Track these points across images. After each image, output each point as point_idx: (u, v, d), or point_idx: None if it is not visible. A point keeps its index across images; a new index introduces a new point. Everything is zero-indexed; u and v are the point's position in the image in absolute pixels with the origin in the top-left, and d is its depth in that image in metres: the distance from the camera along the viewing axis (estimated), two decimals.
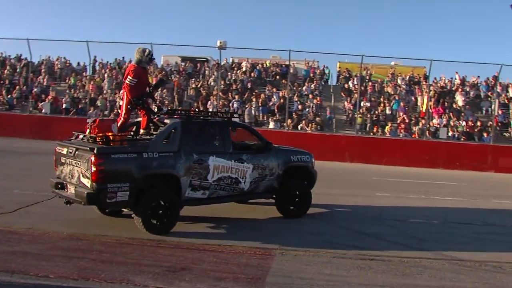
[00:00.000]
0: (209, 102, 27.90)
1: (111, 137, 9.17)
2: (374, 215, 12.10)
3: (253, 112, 27.24)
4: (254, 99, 28.44)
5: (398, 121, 27.19)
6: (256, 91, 29.85)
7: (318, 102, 28.90)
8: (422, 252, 9.05)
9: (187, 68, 32.71)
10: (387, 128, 26.79)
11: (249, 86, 30.23)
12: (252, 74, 32.04)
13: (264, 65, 33.27)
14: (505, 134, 27.37)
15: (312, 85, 30.79)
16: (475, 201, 15.13)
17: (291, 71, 31.35)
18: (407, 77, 32.31)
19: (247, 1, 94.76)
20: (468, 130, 26.53)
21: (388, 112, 28.15)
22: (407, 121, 27.09)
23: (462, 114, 27.91)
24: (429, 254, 8.90)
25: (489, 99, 29.56)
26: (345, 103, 29.53)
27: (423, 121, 26.70)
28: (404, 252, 8.92)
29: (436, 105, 28.37)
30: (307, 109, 28.23)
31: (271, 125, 27.10)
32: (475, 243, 10.05)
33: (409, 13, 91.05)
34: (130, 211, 9.42)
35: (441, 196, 15.60)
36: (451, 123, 27.12)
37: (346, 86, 31.38)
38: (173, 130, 9.67)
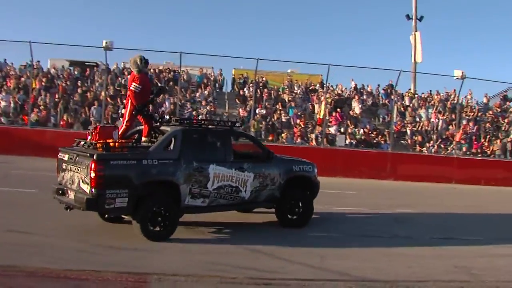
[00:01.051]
0: (92, 108, 25.57)
1: (111, 144, 9.35)
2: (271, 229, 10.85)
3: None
4: None
5: (294, 129, 26.14)
6: None
7: (212, 109, 27.36)
8: (324, 272, 7.85)
9: (74, 73, 29.99)
10: (283, 136, 25.60)
11: None
12: None
13: (157, 70, 31.30)
14: (402, 142, 27.06)
15: (206, 92, 29.20)
16: (379, 211, 14.19)
17: (184, 77, 29.71)
18: (304, 84, 31.56)
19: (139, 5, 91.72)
20: (365, 138, 25.92)
21: (284, 119, 27.06)
22: (303, 127, 26.14)
23: (359, 121, 27.32)
24: (332, 275, 7.74)
25: (385, 107, 29.38)
26: (240, 110, 28.20)
27: (320, 128, 25.75)
28: (303, 272, 7.74)
29: (333, 112, 27.62)
30: (199, 116, 26.56)
31: None
32: (383, 260, 8.95)
33: (307, 22, 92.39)
34: (130, 218, 9.55)
35: (342, 206, 14.44)
36: (348, 130, 26.41)
37: (241, 92, 30.03)
38: (173, 138, 9.74)
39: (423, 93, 31.82)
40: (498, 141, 27.50)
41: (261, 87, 30.02)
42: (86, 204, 8.70)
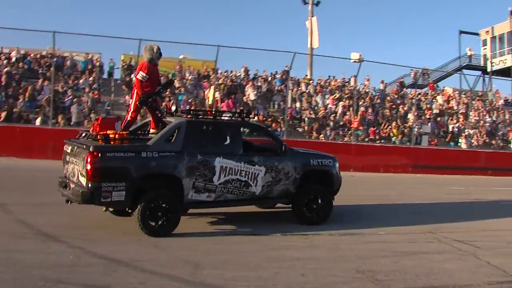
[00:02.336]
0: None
1: (111, 136, 9.07)
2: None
3: (18, 107, 22.37)
4: (21, 94, 23.44)
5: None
6: (23, 83, 24.75)
7: (95, 97, 24.97)
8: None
9: None
10: None
11: (16, 79, 25.13)
12: (22, 65, 26.75)
13: (39, 55, 28.28)
14: (298, 129, 25.90)
15: (91, 78, 26.65)
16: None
17: (68, 63, 27.02)
18: (196, 70, 29.78)
19: None
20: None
21: (173, 107, 24.98)
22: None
23: (253, 108, 25.71)
24: None
25: (281, 93, 28.13)
26: (127, 97, 25.89)
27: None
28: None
29: (225, 99, 25.98)
30: (81, 105, 24.16)
31: (38, 122, 22.53)
32: (271, 267, 7.22)
33: (203, 8, 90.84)
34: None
35: None
36: None
37: (127, 79, 27.62)
38: (177, 130, 9.32)
39: (320, 79, 31.02)
40: (396, 128, 27.13)
41: None
42: (82, 197, 8.43)
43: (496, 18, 77.06)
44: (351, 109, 27.21)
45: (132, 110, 10.09)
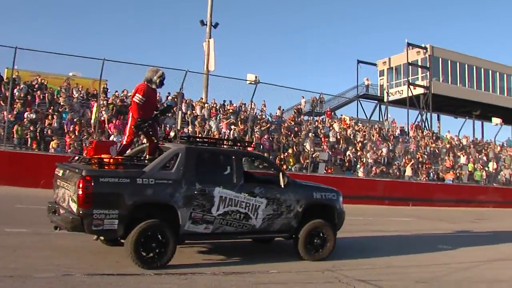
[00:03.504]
0: None
1: (105, 160, 8.60)
2: None
3: None
4: None
5: (65, 136, 22.47)
6: None
7: None
8: None
9: None
10: (53, 144, 21.68)
11: None
12: None
13: None
14: None
15: None
16: None
17: None
18: (85, 89, 28.11)
19: None
20: None
21: (55, 125, 23.03)
22: (77, 134, 22.47)
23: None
24: None
25: (173, 116, 26.51)
26: (4, 113, 23.47)
27: (94, 136, 22.09)
28: None
29: (113, 119, 24.30)
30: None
31: None
32: None
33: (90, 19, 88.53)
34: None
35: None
36: None
37: (7, 94, 25.14)
38: (175, 156, 8.89)
39: (213, 102, 30.19)
40: (292, 155, 26.50)
41: (35, 89, 26.21)
42: (71, 224, 7.98)
43: (393, 49, 79.73)
44: (246, 134, 26.15)
45: (127, 134, 9.68)
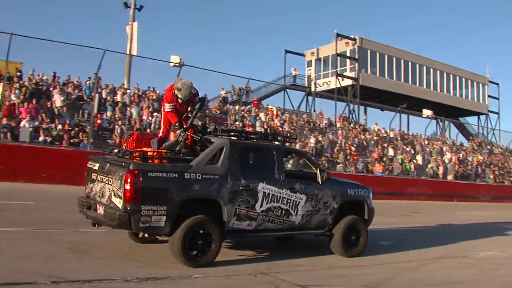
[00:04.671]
0: None
1: (149, 153, 8.26)
2: None
3: None
4: None
5: None
6: None
7: None
8: None
9: None
10: None
11: None
12: None
13: None
14: (109, 140, 23.19)
15: None
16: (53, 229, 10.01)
17: None
18: None
19: None
20: (63, 134, 21.39)
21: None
22: None
23: (59, 116, 22.79)
24: None
25: (92, 102, 25.08)
26: None
27: (4, 120, 20.45)
28: None
29: (25, 103, 22.61)
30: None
31: None
32: None
33: None
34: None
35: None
36: (43, 125, 21.47)
37: None
38: (219, 151, 8.59)
39: (136, 88, 28.94)
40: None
41: None
42: (118, 221, 7.51)
43: (321, 40, 79.77)
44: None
45: (162, 127, 9.80)
